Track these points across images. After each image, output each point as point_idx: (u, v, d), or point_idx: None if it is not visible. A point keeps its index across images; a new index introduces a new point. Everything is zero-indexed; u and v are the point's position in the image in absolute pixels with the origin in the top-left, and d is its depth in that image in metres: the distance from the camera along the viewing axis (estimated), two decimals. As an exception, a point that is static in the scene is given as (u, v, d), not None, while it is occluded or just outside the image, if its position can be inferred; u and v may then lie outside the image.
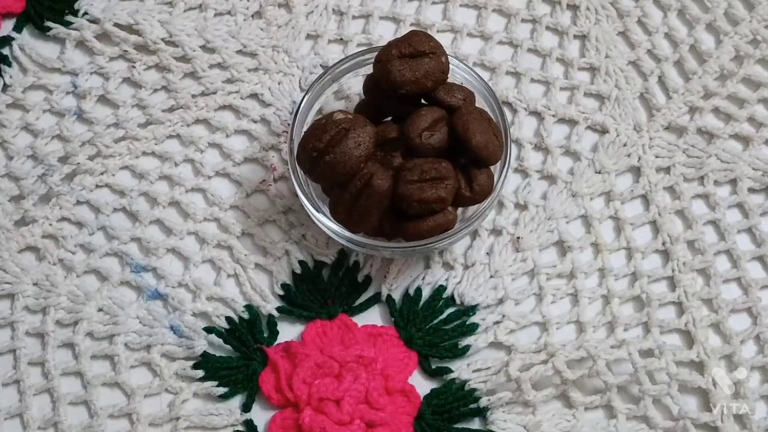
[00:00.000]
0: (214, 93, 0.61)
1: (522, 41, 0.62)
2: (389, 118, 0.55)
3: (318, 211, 0.53)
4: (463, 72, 0.55)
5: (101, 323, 0.57)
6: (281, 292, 0.57)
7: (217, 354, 0.57)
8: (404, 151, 0.52)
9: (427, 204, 0.51)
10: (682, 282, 0.57)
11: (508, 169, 0.54)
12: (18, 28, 0.62)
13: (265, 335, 0.57)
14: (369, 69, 0.54)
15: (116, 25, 0.61)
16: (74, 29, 0.62)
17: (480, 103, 0.55)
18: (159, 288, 0.58)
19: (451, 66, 0.53)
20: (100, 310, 0.58)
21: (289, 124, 0.58)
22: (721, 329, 0.57)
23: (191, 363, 0.57)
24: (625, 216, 0.59)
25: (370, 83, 0.55)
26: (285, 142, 0.59)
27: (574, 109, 0.60)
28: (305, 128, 0.54)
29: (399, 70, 0.51)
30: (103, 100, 0.61)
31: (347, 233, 0.53)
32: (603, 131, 0.60)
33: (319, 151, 0.51)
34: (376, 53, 0.53)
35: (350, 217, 0.52)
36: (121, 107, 0.61)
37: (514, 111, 0.60)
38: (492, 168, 0.53)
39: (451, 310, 0.57)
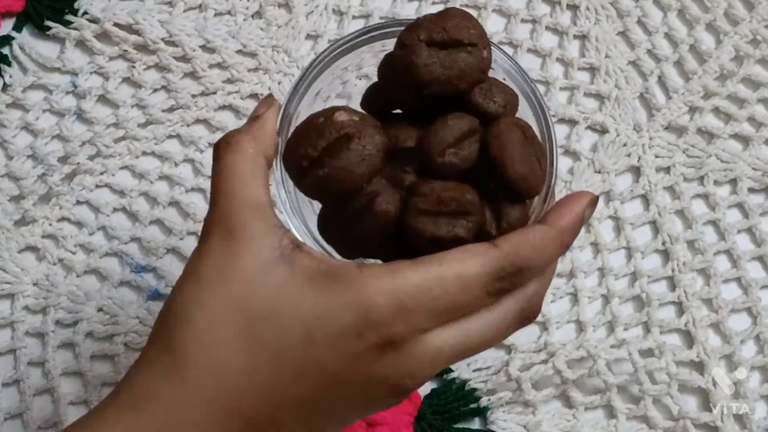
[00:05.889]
0: (214, 93, 0.61)
1: (522, 41, 0.62)
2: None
3: (302, 231, 0.40)
4: (506, 66, 0.42)
5: (101, 323, 0.57)
6: (281, 292, 0.57)
7: (217, 354, 0.57)
8: (419, 166, 0.39)
9: (441, 243, 0.38)
10: (682, 282, 0.57)
11: (549, 203, 0.40)
12: (18, 28, 0.62)
13: (265, 335, 0.57)
14: (390, 45, 0.40)
15: (116, 24, 0.61)
16: (74, 29, 0.62)
17: (523, 111, 0.42)
18: (159, 288, 0.58)
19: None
20: (100, 310, 0.58)
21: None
22: (721, 329, 0.57)
23: (191, 363, 0.57)
24: (625, 216, 0.59)
25: (387, 68, 0.40)
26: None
27: (574, 109, 0.60)
28: (299, 119, 0.41)
29: (426, 65, 0.38)
30: (103, 100, 0.61)
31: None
32: (603, 131, 0.60)
33: (310, 161, 0.38)
34: (401, 28, 0.39)
35: (343, 242, 0.40)
36: (121, 107, 0.60)
37: (514, 111, 0.60)
38: None
39: (451, 310, 0.57)
